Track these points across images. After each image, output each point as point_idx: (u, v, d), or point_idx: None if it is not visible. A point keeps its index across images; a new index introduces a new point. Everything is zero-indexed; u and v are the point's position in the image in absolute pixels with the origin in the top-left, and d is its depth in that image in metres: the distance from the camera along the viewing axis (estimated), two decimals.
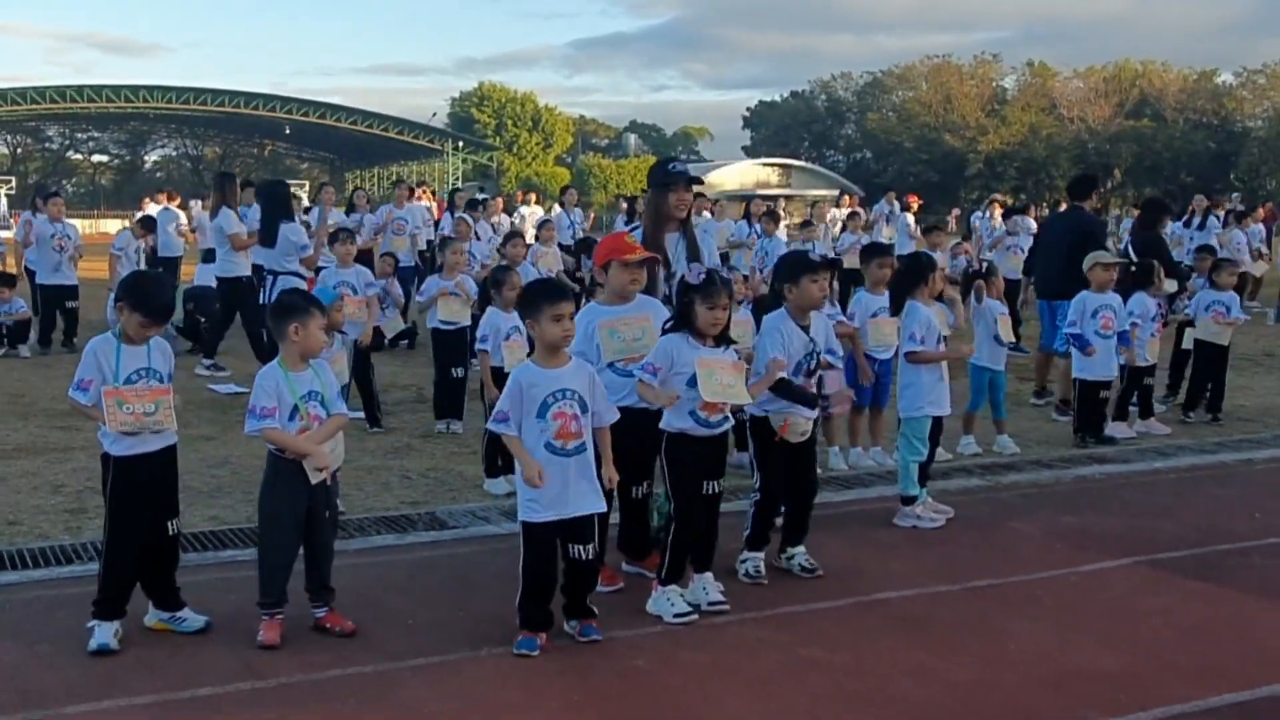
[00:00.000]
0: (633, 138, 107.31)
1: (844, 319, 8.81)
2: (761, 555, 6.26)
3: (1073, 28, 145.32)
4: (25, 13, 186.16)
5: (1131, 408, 10.55)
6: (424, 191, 20.23)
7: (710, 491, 5.76)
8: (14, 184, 70.53)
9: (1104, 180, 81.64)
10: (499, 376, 7.36)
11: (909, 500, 7.41)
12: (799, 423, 6.19)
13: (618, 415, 5.44)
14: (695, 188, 6.89)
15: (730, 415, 5.84)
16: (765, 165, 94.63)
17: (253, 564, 5.41)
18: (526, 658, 5.05)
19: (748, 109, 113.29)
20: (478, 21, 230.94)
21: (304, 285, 8.55)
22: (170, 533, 5.17)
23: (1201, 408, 11.08)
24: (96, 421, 5.07)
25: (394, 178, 75.39)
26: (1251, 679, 4.95)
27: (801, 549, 6.36)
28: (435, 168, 75.49)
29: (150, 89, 67.57)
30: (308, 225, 12.77)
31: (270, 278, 10.65)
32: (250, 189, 14.21)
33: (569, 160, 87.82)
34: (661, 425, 5.73)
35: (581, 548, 5.24)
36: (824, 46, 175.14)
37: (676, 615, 5.54)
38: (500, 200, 19.26)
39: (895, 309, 7.98)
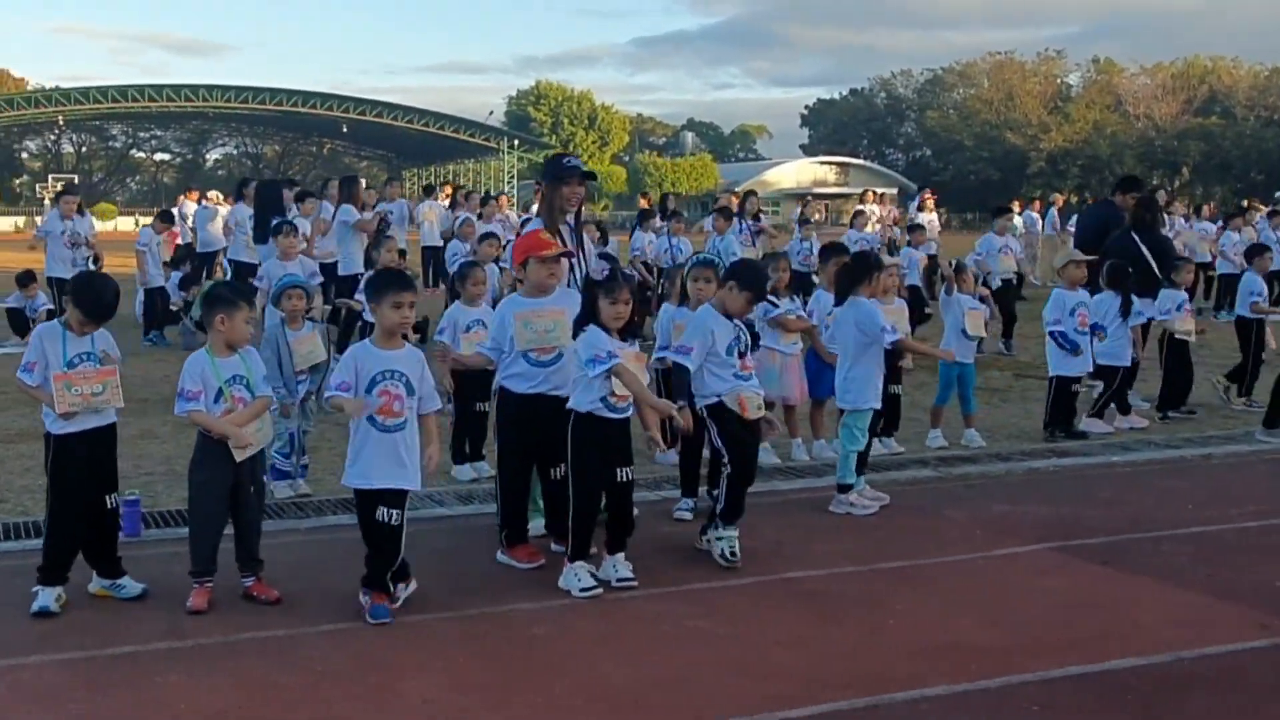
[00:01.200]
0: (690, 136, 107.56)
1: (802, 314, 9.11)
2: (736, 533, 6.54)
3: (1140, 23, 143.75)
4: (92, 14, 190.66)
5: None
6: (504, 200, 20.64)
7: (623, 479, 6.11)
8: (76, 182, 72.48)
9: (1171, 179, 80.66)
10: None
11: (845, 488, 7.72)
12: (752, 397, 6.58)
13: (439, 405, 5.90)
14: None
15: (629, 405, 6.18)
16: (822, 163, 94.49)
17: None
18: (440, 606, 5.64)
19: (806, 107, 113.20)
20: (540, 20, 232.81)
21: (305, 279, 8.99)
22: (109, 506, 5.64)
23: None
24: (42, 403, 5.55)
25: (450, 176, 76.46)
26: (1104, 653, 5.23)
27: (735, 533, 6.65)
28: (491, 166, 76.33)
29: (210, 88, 69.01)
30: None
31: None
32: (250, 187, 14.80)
33: (625, 159, 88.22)
34: (570, 405, 6.10)
35: (387, 510, 5.59)
36: (889, 43, 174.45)
37: (583, 590, 5.93)
38: (504, 199, 19.66)
39: (839, 302, 8.26)
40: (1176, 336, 11.26)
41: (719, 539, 6.53)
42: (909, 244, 17.31)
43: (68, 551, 5.57)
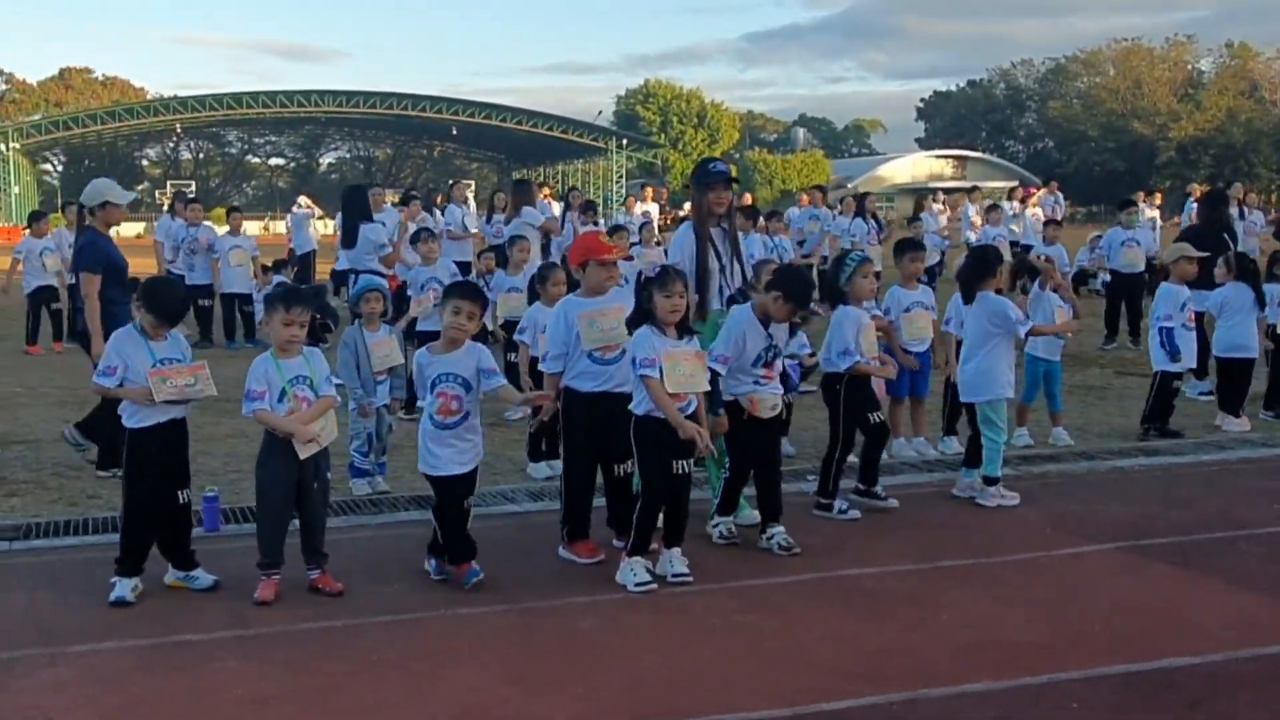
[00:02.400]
0: (801, 132, 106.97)
1: (878, 314, 9.08)
2: (730, 519, 6.89)
3: (1277, 5, 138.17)
4: (208, 23, 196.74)
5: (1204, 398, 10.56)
6: (548, 191, 20.97)
7: (680, 472, 6.20)
8: (194, 188, 74.94)
9: None
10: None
11: (992, 480, 7.80)
12: (766, 398, 6.64)
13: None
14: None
15: (694, 399, 6.27)
16: (939, 157, 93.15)
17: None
18: (498, 599, 5.88)
19: (922, 100, 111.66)
20: (650, 18, 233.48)
21: (384, 283, 9.26)
22: (181, 501, 5.91)
23: None
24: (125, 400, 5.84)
25: (559, 176, 77.22)
26: (1154, 652, 5.16)
27: (780, 528, 6.74)
28: (600, 166, 76.90)
29: (322, 93, 70.79)
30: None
31: (352, 276, 11.52)
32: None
33: (735, 156, 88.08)
34: (631, 408, 6.21)
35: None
36: (1011, 32, 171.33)
37: (638, 584, 6.02)
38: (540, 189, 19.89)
39: (967, 300, 8.22)
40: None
41: (713, 525, 6.88)
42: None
43: (143, 544, 5.85)
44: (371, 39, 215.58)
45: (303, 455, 5.79)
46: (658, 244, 15.32)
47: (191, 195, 18.89)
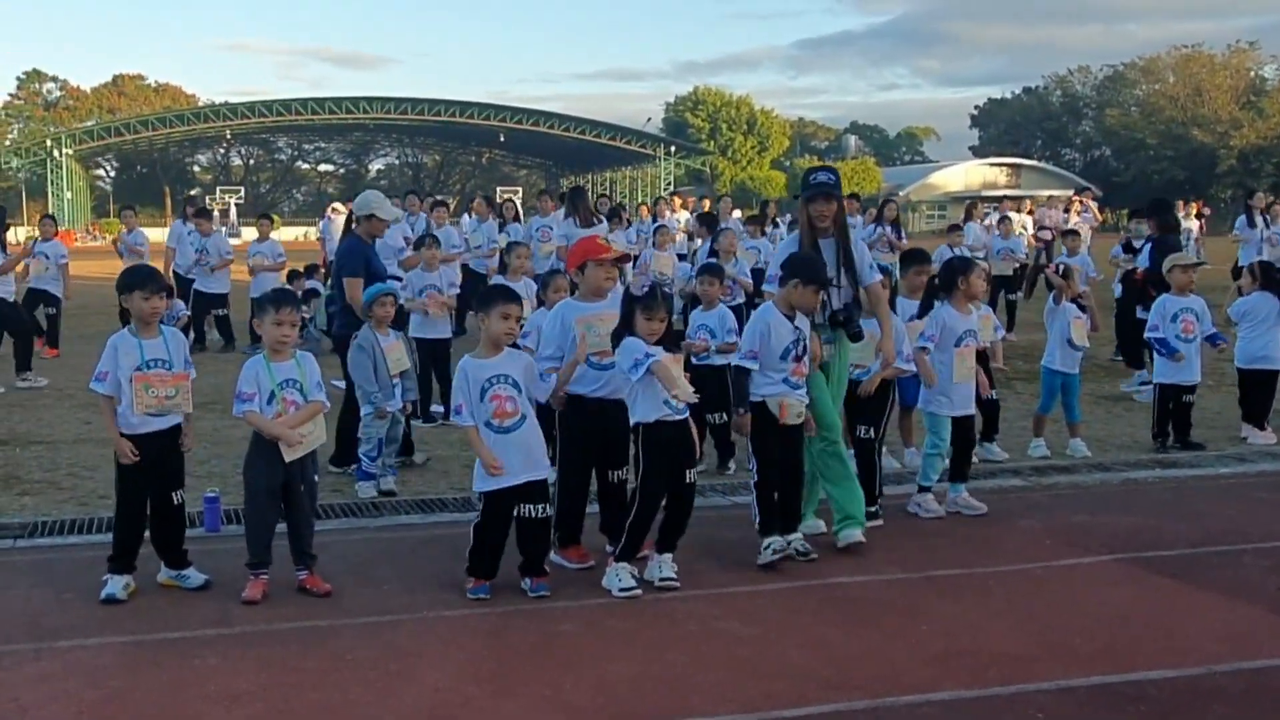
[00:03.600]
0: (853, 139, 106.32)
1: None
2: (778, 537, 6.55)
3: None
4: (259, 29, 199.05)
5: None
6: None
7: (690, 480, 6.21)
8: (243, 194, 75.98)
9: None
10: None
11: (922, 489, 7.80)
12: (795, 404, 6.60)
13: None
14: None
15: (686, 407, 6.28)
16: (993, 165, 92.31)
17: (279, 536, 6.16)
18: (480, 602, 5.91)
19: (976, 107, 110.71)
20: (699, 24, 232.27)
21: (397, 286, 9.36)
22: (175, 502, 6.02)
23: None
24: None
25: (607, 183, 77.42)
26: (1132, 663, 5.12)
27: (798, 535, 6.72)
28: (648, 173, 76.99)
29: (371, 100, 71.49)
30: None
31: None
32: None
33: (785, 164, 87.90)
34: (636, 420, 6.22)
35: (531, 507, 6.04)
36: (1067, 38, 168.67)
37: (622, 590, 6.05)
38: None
39: (921, 313, 8.22)
40: None
41: (765, 547, 6.53)
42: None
43: (134, 543, 5.97)
44: (421, 46, 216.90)
45: (288, 458, 5.88)
46: (680, 254, 15.41)
47: (204, 205, 18.90)
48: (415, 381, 8.68)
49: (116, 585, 5.87)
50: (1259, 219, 19.00)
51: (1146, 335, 10.07)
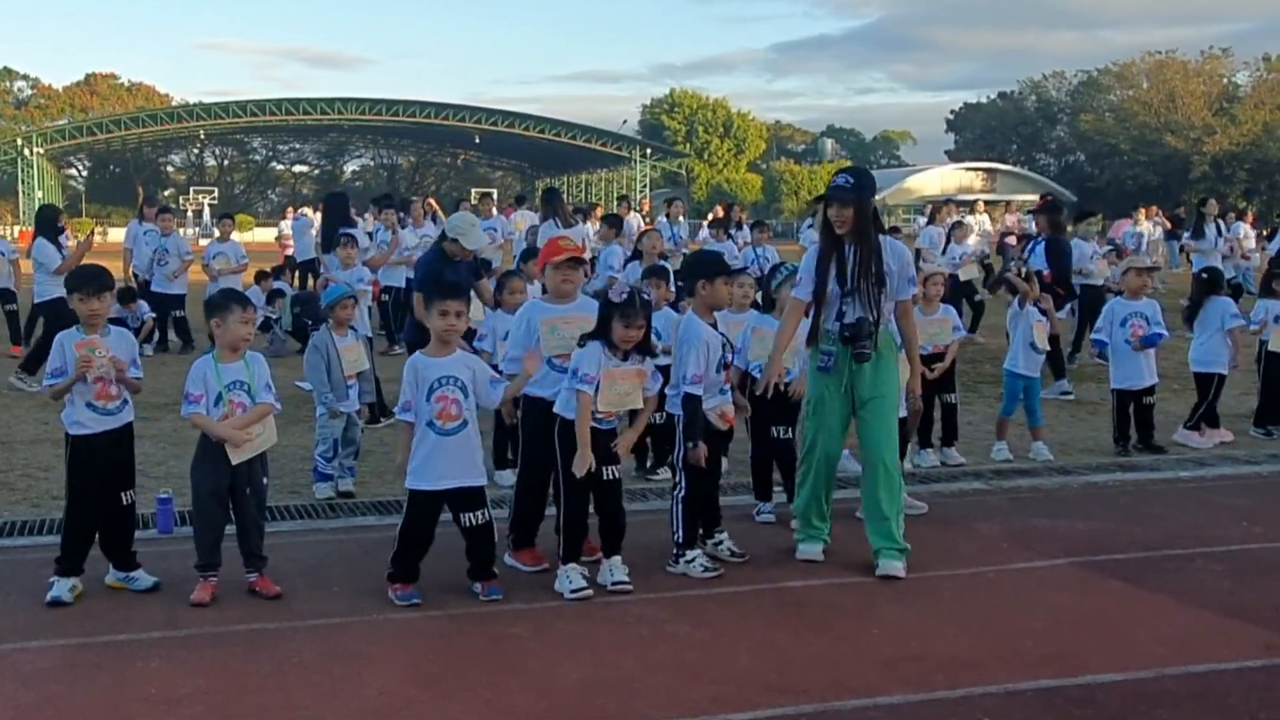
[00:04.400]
0: (829, 143, 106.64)
1: None
2: (707, 546, 6.63)
3: None
4: (234, 29, 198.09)
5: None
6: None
7: (608, 477, 6.18)
8: (217, 195, 75.43)
9: None
10: None
11: None
12: (728, 409, 6.64)
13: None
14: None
15: (621, 417, 6.27)
16: (968, 169, 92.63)
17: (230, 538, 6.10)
18: (411, 609, 5.80)
19: (952, 111, 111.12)
20: (676, 27, 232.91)
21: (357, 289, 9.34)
22: (124, 503, 5.94)
23: None
24: (63, 402, 5.88)
25: (583, 185, 77.33)
26: (1081, 667, 5.12)
27: (725, 534, 6.72)
28: (624, 175, 76.91)
29: (346, 101, 71.01)
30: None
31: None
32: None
33: (762, 166, 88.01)
34: (556, 409, 6.21)
35: (470, 515, 6.00)
36: (1043, 44, 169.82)
37: (573, 592, 6.02)
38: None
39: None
40: (1271, 349, 10.78)
41: (688, 562, 6.47)
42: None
43: (83, 544, 5.89)
44: (397, 47, 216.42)
45: (235, 460, 5.82)
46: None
47: (164, 204, 18.72)
48: (373, 384, 8.61)
49: (63, 588, 5.80)
50: (1211, 227, 19.17)
51: (1091, 338, 10.10)
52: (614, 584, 6.15)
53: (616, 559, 6.24)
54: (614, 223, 16.31)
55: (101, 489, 5.88)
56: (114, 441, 5.90)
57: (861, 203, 6.55)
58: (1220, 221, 19.64)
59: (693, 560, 6.46)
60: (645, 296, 6.40)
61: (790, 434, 7.49)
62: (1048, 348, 10.02)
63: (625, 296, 6.13)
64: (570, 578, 6.08)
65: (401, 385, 6.00)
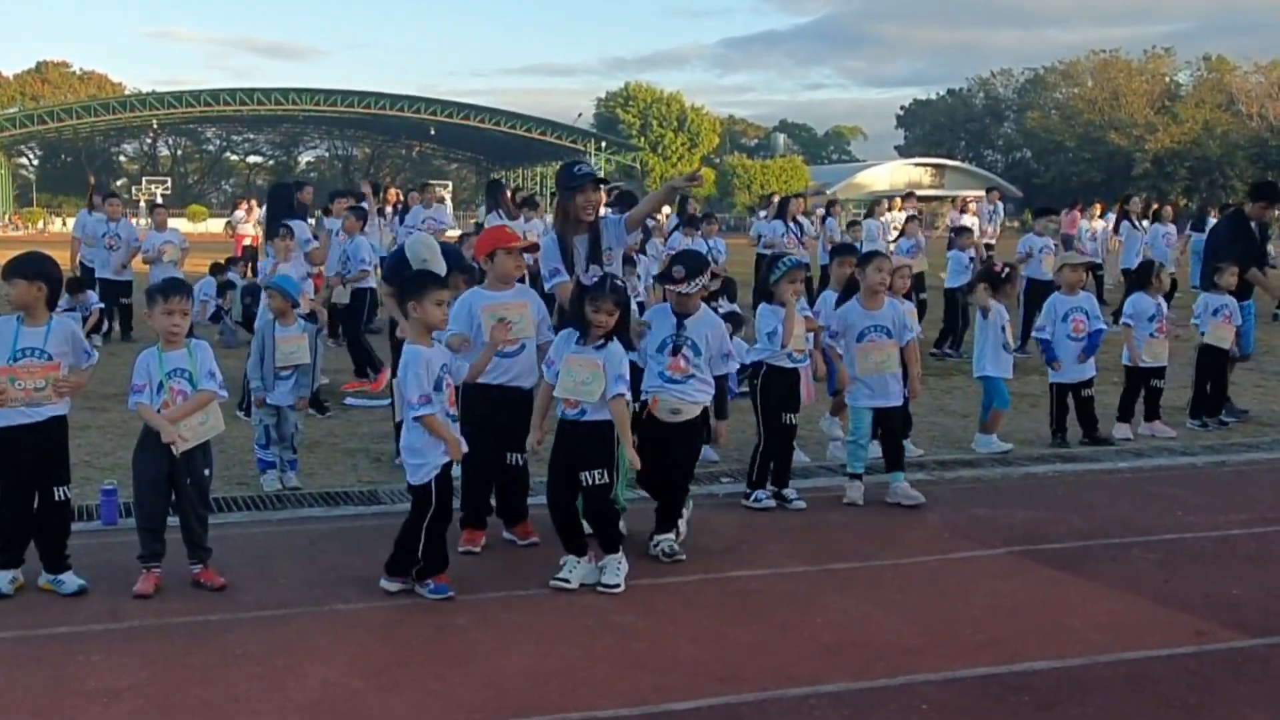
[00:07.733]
0: (781, 138, 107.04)
1: (810, 314, 9.08)
2: (670, 535, 6.68)
3: (1256, 20, 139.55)
4: (187, 19, 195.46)
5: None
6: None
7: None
8: (170, 185, 74.47)
9: None
10: None
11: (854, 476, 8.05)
12: (667, 400, 6.62)
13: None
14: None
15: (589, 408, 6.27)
16: (917, 165, 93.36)
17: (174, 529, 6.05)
18: (380, 596, 5.84)
19: (901, 108, 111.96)
20: (628, 21, 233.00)
21: (290, 282, 9.17)
22: (57, 498, 5.83)
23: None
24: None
25: (538, 177, 77.14)
26: (1018, 654, 5.21)
27: (669, 536, 6.69)
28: None
29: (300, 91, 70.40)
30: None
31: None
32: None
33: (716, 161, 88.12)
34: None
35: None
36: (988, 42, 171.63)
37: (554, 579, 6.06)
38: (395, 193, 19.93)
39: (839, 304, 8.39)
40: (1206, 342, 10.96)
41: (655, 544, 6.63)
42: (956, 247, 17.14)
43: (20, 535, 5.81)
44: (349, 38, 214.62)
45: (177, 451, 5.77)
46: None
47: (111, 190, 18.71)
48: (310, 377, 8.48)
49: (2, 580, 5.74)
50: (1134, 223, 19.50)
51: (1034, 336, 10.21)
52: (602, 585, 6.07)
53: (611, 558, 6.17)
54: (529, 205, 16.61)
55: (29, 482, 5.76)
56: (39, 434, 5.75)
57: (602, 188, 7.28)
58: (1142, 219, 20.04)
59: (658, 544, 6.63)
60: (619, 282, 6.41)
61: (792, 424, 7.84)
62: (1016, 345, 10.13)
63: (595, 280, 6.21)
64: (570, 567, 6.10)
65: (407, 381, 5.83)
